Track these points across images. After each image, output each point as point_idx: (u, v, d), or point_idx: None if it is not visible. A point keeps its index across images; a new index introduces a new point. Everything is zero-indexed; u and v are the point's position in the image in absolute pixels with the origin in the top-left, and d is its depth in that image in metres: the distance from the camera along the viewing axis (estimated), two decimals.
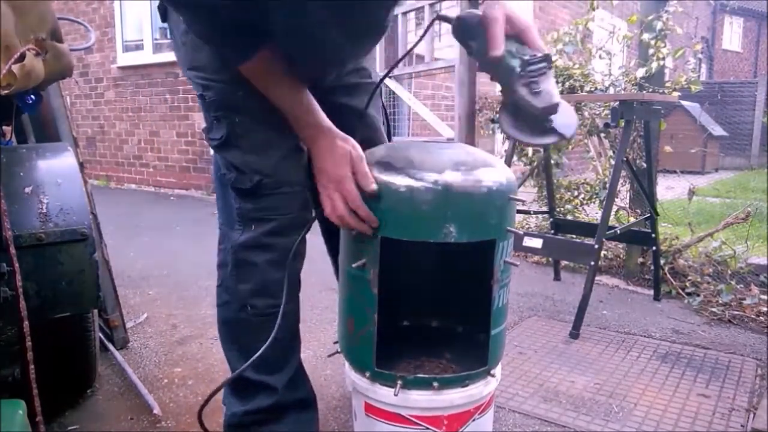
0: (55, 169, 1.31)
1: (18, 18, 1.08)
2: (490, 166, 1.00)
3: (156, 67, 5.86)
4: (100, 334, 1.80)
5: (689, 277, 2.60)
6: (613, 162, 2.44)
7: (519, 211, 2.84)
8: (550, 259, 2.96)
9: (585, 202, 3.29)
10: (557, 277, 2.83)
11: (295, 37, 0.94)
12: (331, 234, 1.34)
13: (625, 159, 2.24)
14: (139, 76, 6.05)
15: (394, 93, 4.07)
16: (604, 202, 2.20)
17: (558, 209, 3.02)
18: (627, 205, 3.00)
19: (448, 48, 3.70)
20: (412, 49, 1.57)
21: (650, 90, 2.69)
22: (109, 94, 6.37)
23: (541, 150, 2.89)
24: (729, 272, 2.61)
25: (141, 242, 3.56)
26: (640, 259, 2.80)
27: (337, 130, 1.03)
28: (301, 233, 1.09)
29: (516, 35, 0.92)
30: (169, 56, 5.74)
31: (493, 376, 1.08)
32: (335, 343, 1.22)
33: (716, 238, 2.82)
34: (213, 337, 2.00)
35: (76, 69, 5.27)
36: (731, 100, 9.70)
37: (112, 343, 1.88)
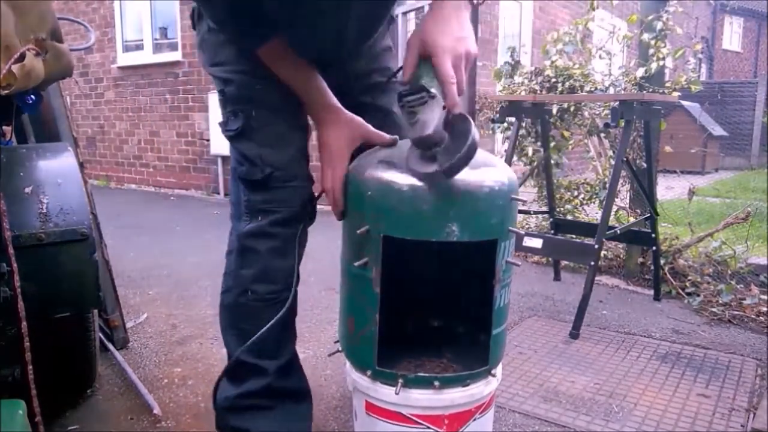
0: (55, 169, 1.30)
1: (18, 18, 1.07)
2: (492, 166, 1.00)
3: (156, 67, 5.86)
4: (100, 334, 1.80)
5: (689, 277, 2.60)
6: (613, 162, 2.44)
7: (519, 211, 2.84)
8: (550, 259, 2.96)
9: (585, 202, 3.28)
10: (557, 277, 2.83)
11: (293, 13, 1.00)
12: None
13: (625, 159, 2.24)
14: (139, 76, 6.05)
15: None
16: (604, 202, 2.20)
17: (558, 209, 3.02)
18: (627, 205, 3.00)
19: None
20: None
21: (650, 90, 2.69)
22: (109, 94, 6.37)
23: (542, 150, 2.89)
24: (729, 272, 2.61)
25: (141, 242, 3.56)
26: (640, 259, 2.80)
27: (346, 111, 1.11)
28: (303, 224, 1.14)
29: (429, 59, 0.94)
30: (169, 56, 5.75)
31: (493, 375, 1.08)
32: (336, 342, 1.22)
33: (716, 238, 2.82)
34: (213, 337, 2.00)
35: (76, 69, 5.26)
36: (731, 100, 9.69)
37: (112, 343, 1.88)
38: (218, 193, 5.51)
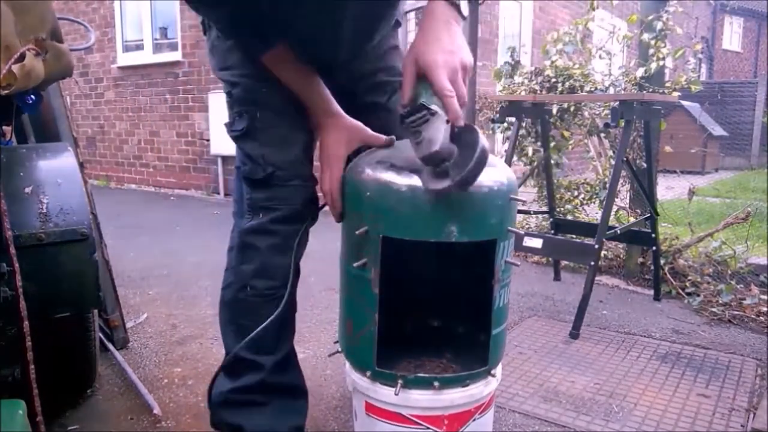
0: (55, 169, 1.31)
1: (18, 18, 1.07)
2: (492, 166, 0.99)
3: (156, 67, 5.86)
4: (100, 334, 1.80)
5: (689, 277, 2.60)
6: (613, 162, 2.44)
7: (519, 211, 2.85)
8: (550, 259, 2.96)
9: (585, 202, 3.29)
10: (557, 277, 2.83)
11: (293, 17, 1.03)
12: None
13: (625, 159, 2.24)
14: (139, 76, 6.05)
15: None
16: (604, 202, 2.20)
17: (558, 209, 3.02)
18: (627, 205, 3.00)
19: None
20: None
21: (650, 90, 2.69)
22: (109, 94, 6.37)
23: (542, 150, 2.90)
24: (729, 272, 2.61)
25: (141, 242, 3.56)
26: (640, 259, 2.80)
27: (346, 116, 1.14)
28: (305, 223, 1.16)
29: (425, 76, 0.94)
30: (169, 56, 5.75)
31: (493, 376, 1.08)
32: (336, 342, 1.23)
33: (716, 238, 2.82)
34: (213, 337, 2.00)
35: (76, 69, 5.26)
36: (731, 100, 9.69)
37: (112, 343, 1.88)
38: (218, 193, 5.51)
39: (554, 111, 3.00)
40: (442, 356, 1.17)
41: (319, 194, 1.15)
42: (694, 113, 7.66)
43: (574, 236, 2.75)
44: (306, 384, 1.27)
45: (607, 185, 2.55)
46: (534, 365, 1.83)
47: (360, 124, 1.15)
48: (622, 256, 2.94)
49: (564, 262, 2.91)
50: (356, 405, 1.13)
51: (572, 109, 3.10)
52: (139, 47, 6.06)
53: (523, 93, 3.17)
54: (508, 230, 1.00)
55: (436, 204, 0.93)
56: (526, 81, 3.28)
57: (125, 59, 6.15)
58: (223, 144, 5.12)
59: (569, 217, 3.15)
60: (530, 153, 3.33)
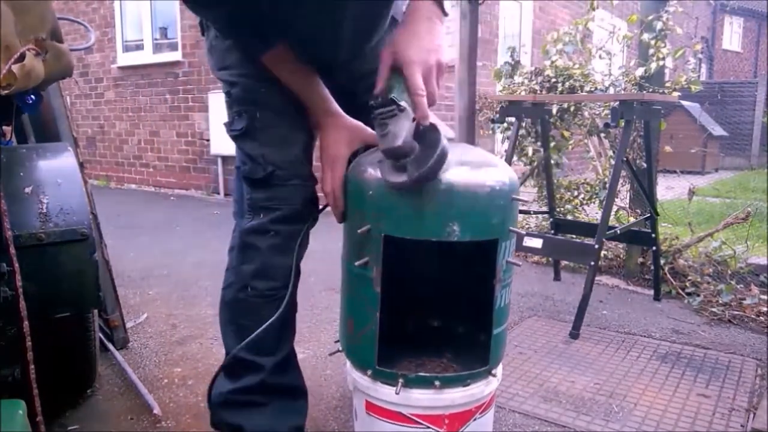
0: (55, 169, 1.30)
1: (18, 18, 1.07)
2: (493, 166, 1.00)
3: (156, 67, 5.86)
4: (100, 334, 1.80)
5: (689, 277, 2.60)
6: (613, 162, 2.44)
7: (519, 211, 2.85)
8: (550, 259, 2.96)
9: (585, 202, 3.28)
10: (557, 277, 2.83)
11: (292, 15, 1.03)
12: None
13: (625, 159, 2.24)
14: (139, 76, 6.05)
15: None
16: (604, 202, 2.20)
17: (558, 209, 3.02)
18: (627, 205, 3.00)
19: (448, 48, 3.69)
20: None
21: (650, 90, 2.69)
22: (109, 94, 6.37)
23: (542, 150, 2.89)
24: (729, 272, 2.61)
25: (141, 242, 3.56)
26: (640, 259, 2.80)
27: (346, 116, 1.14)
28: (305, 224, 1.16)
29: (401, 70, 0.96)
30: (169, 56, 5.75)
31: (494, 375, 1.08)
32: (336, 341, 1.22)
33: (716, 238, 2.82)
34: (213, 337, 2.00)
35: (76, 69, 5.25)
36: (731, 100, 9.70)
37: (112, 343, 1.88)
38: (218, 193, 5.51)
39: (554, 111, 3.00)
40: (442, 356, 1.16)
41: (320, 195, 1.15)
42: (694, 113, 7.66)
43: (574, 236, 2.75)
44: (306, 384, 1.27)
45: (607, 185, 2.55)
46: (534, 365, 1.83)
47: (360, 124, 1.15)
48: (622, 256, 2.94)
49: (564, 262, 2.91)
50: (357, 404, 1.13)
51: (572, 109, 3.10)
52: (139, 47, 6.06)
53: (523, 93, 3.17)
54: (509, 230, 1.00)
55: (438, 203, 0.93)
56: (526, 81, 3.28)
57: (125, 59, 6.15)
58: (223, 144, 5.12)
59: (569, 217, 3.15)
60: (530, 153, 3.33)
